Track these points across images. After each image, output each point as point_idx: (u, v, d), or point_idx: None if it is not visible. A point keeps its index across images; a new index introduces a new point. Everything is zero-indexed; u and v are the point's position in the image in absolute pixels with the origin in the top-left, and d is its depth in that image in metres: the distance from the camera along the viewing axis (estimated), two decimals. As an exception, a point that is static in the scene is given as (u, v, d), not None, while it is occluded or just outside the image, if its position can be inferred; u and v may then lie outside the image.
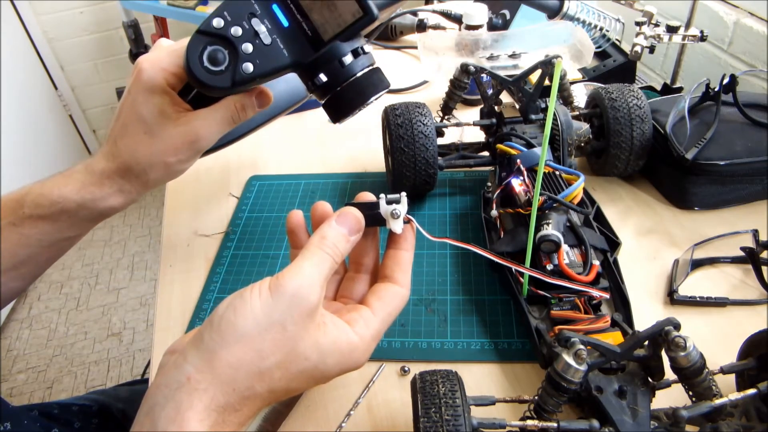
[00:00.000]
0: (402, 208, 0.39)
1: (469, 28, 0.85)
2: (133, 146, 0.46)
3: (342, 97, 0.44)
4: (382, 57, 1.04)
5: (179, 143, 0.46)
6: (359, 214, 0.39)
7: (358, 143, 0.80)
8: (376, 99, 0.45)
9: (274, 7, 0.41)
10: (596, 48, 0.83)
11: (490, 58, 0.71)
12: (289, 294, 0.33)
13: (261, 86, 0.48)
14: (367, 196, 0.41)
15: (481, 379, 0.48)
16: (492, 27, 0.91)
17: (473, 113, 0.85)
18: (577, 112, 0.66)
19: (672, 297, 0.53)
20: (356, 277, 0.42)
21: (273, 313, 0.33)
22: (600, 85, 0.69)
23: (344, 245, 0.37)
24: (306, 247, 0.36)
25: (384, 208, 0.39)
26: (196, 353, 0.32)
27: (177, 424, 0.30)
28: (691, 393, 0.39)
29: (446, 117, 0.69)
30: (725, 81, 0.65)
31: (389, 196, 0.39)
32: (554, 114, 0.60)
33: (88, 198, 0.47)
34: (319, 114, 0.88)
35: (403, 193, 0.39)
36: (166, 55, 0.46)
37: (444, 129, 0.67)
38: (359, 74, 0.43)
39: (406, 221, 0.40)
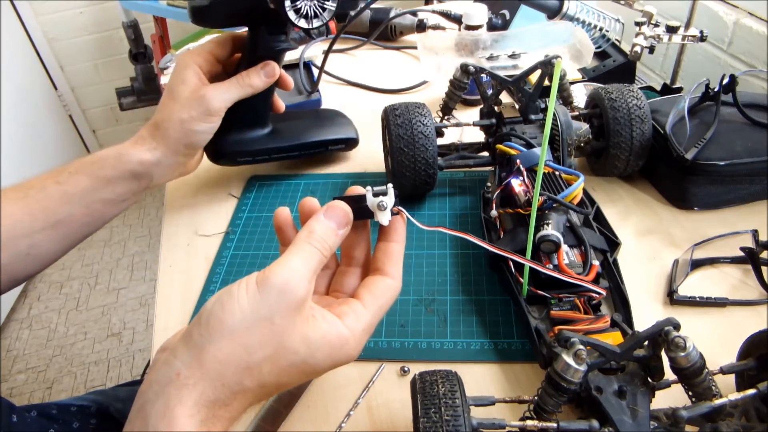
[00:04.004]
0: (389, 200, 0.39)
1: (469, 28, 0.85)
2: (160, 108, 0.58)
3: None
4: (381, 57, 1.04)
5: (191, 101, 0.56)
6: (347, 208, 0.38)
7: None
8: None
9: None
10: (596, 48, 0.83)
11: (490, 58, 0.71)
12: (277, 288, 0.33)
13: (271, 62, 0.59)
14: (357, 190, 0.41)
15: (480, 379, 0.48)
16: (492, 27, 0.91)
17: (473, 113, 0.85)
18: (577, 113, 0.66)
19: (672, 297, 0.53)
20: (348, 271, 0.42)
21: (260, 307, 0.33)
22: (600, 85, 0.69)
23: (333, 239, 0.37)
24: (294, 241, 0.36)
25: (371, 201, 0.39)
26: (185, 349, 0.33)
27: (167, 419, 0.30)
28: (690, 393, 0.39)
29: (446, 117, 0.69)
30: (725, 81, 0.65)
31: (376, 189, 0.39)
32: (554, 114, 0.60)
33: (123, 152, 0.56)
34: (319, 114, 0.88)
35: (390, 185, 0.39)
36: (198, 50, 0.59)
37: (444, 129, 0.67)
38: None
39: (396, 213, 0.39)
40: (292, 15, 0.52)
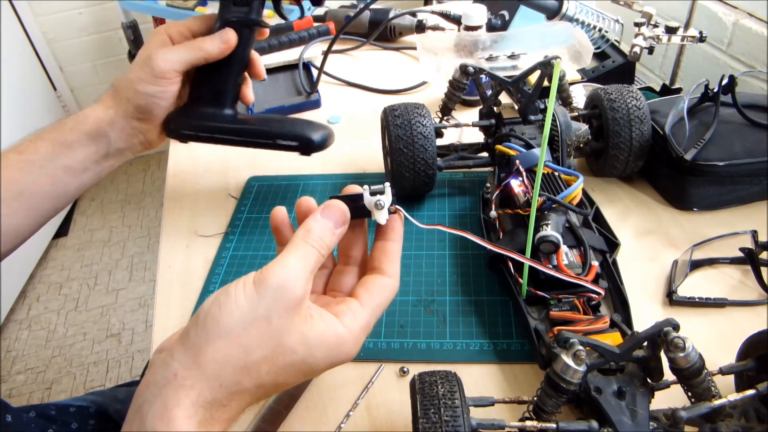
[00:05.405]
0: (386, 198, 0.38)
1: (468, 28, 0.85)
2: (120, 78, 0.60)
3: None
4: (381, 58, 1.04)
5: (141, 62, 0.58)
6: (344, 207, 0.38)
7: (357, 144, 0.80)
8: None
9: None
10: (595, 49, 0.83)
11: (489, 59, 0.71)
12: (274, 287, 0.33)
13: (228, 29, 0.57)
14: (354, 189, 0.40)
15: (480, 379, 0.48)
16: (491, 28, 0.91)
17: (472, 114, 0.85)
18: (576, 113, 0.66)
19: (671, 298, 0.53)
20: (345, 270, 0.42)
21: (258, 307, 0.32)
22: (599, 86, 0.69)
23: (330, 238, 0.37)
24: (291, 241, 0.36)
25: (368, 200, 0.38)
26: (182, 350, 0.32)
27: (165, 421, 0.30)
28: (690, 394, 0.39)
29: (445, 118, 0.69)
30: (724, 82, 0.65)
31: (373, 187, 0.39)
32: (553, 115, 0.60)
33: (81, 114, 0.57)
34: (318, 115, 0.88)
35: (387, 184, 0.39)
36: (176, 22, 0.60)
37: (443, 130, 0.67)
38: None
39: (393, 212, 0.39)
40: None
